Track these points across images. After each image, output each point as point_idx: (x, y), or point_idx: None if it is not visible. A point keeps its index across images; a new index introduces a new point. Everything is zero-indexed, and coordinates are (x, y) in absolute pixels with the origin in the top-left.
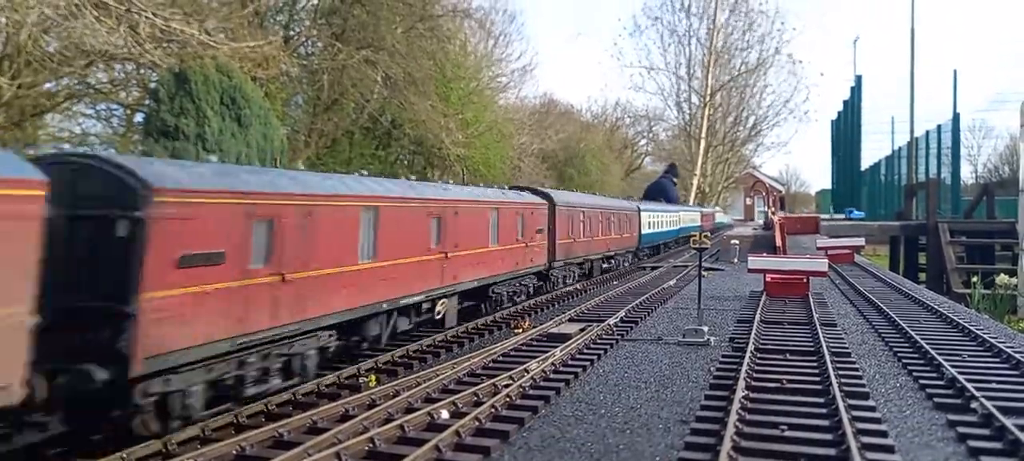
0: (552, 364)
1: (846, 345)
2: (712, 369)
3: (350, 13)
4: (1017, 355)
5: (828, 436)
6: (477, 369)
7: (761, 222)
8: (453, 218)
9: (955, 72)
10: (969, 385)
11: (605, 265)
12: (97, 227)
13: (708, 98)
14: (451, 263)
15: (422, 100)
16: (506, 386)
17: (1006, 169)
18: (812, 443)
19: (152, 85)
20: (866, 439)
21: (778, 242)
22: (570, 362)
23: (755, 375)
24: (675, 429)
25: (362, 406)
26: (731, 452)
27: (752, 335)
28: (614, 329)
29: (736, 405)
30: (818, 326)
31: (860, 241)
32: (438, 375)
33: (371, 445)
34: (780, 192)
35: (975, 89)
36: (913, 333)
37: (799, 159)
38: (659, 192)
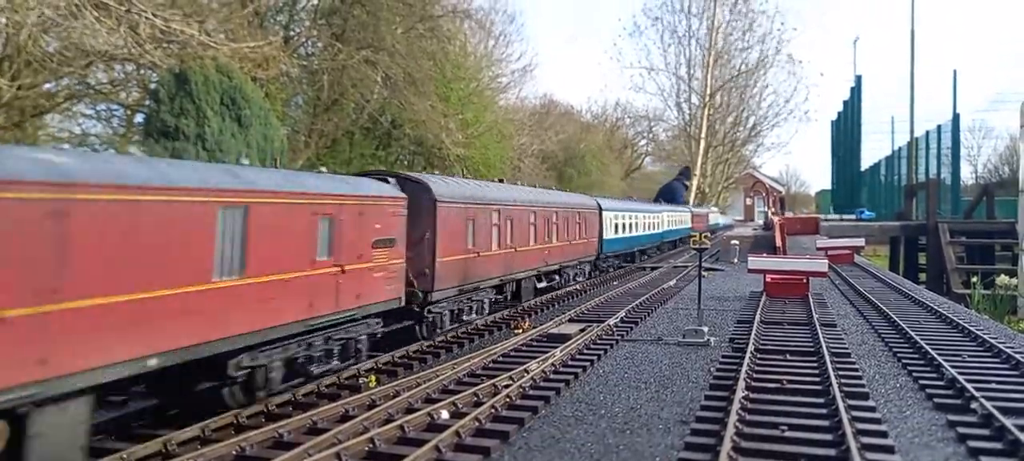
0: (552, 364)
1: (846, 345)
2: (712, 369)
3: (350, 13)
4: (1017, 355)
5: (828, 436)
6: (477, 369)
7: (761, 222)
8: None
9: (955, 72)
10: (969, 385)
11: (541, 284)
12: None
13: (708, 98)
14: None
15: (422, 100)
16: (506, 386)
17: (1006, 169)
18: (812, 443)
19: (152, 86)
20: (866, 439)
21: (778, 242)
22: (570, 362)
23: (755, 375)
24: (675, 429)
25: (362, 406)
26: (731, 452)
27: (752, 335)
28: (614, 329)
29: (736, 405)
30: (818, 326)
31: (860, 242)
32: (438, 375)
33: (371, 445)
34: (780, 193)
35: (975, 89)
36: (913, 333)
37: (799, 159)
38: (671, 194)
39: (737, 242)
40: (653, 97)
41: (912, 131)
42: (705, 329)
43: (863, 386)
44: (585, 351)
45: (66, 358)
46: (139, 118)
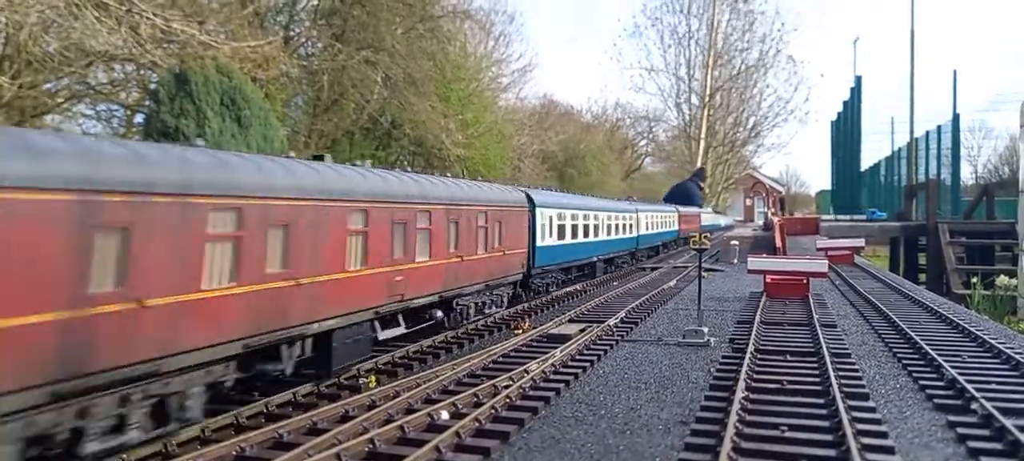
0: (552, 365)
1: (846, 346)
2: (712, 370)
3: (350, 14)
4: (1017, 356)
5: (828, 437)
6: (477, 370)
7: (761, 223)
8: None
9: (955, 73)
10: (969, 386)
11: (391, 332)
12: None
13: (708, 99)
14: None
15: (422, 101)
16: (506, 387)
17: (1006, 170)
18: (812, 444)
19: (152, 86)
20: (866, 440)
21: (778, 243)
22: (570, 363)
23: (755, 376)
24: (675, 430)
25: (362, 407)
26: (731, 453)
27: (752, 336)
28: (614, 330)
29: (736, 406)
30: (818, 327)
31: (860, 242)
32: (438, 376)
33: (371, 446)
34: (780, 193)
35: (975, 89)
36: (913, 334)
37: (799, 160)
38: (683, 195)
39: (737, 242)
40: (653, 97)
41: (912, 131)
42: (705, 330)
43: (863, 387)
44: (585, 352)
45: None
46: (139, 118)
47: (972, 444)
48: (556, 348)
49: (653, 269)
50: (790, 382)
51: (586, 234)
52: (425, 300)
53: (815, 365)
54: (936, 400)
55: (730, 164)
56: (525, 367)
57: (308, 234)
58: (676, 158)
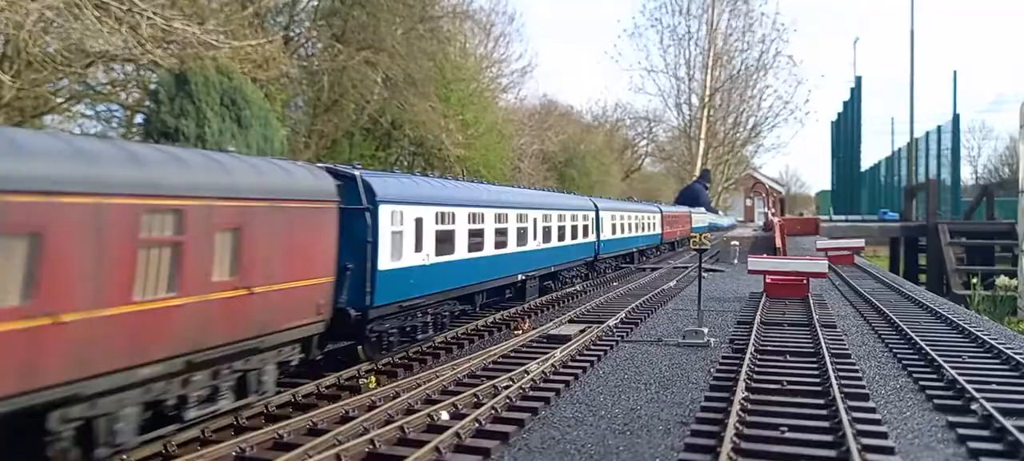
0: (552, 365)
1: (846, 346)
2: (712, 370)
3: (350, 14)
4: (1017, 357)
5: (828, 438)
6: (477, 370)
7: (761, 223)
8: None
9: (955, 73)
10: (969, 386)
11: None
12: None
13: (707, 100)
14: None
15: (422, 101)
16: (506, 387)
17: (1006, 170)
18: (812, 445)
19: (152, 86)
20: (866, 441)
21: (778, 243)
22: (570, 363)
23: (755, 376)
24: (675, 430)
25: (362, 407)
26: (731, 453)
27: (752, 336)
28: (614, 330)
29: (736, 407)
30: (818, 327)
31: (860, 242)
32: (438, 376)
33: (371, 447)
34: (780, 193)
35: (975, 90)
36: (913, 335)
37: (799, 160)
38: (692, 197)
39: (737, 243)
40: (653, 98)
41: (912, 132)
42: (705, 330)
43: (863, 387)
44: (585, 352)
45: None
46: (139, 118)
47: (972, 445)
48: (556, 349)
49: (653, 269)
50: (790, 382)
51: (497, 242)
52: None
53: (815, 365)
54: (936, 401)
55: (730, 165)
56: (525, 367)
57: None
58: (676, 159)
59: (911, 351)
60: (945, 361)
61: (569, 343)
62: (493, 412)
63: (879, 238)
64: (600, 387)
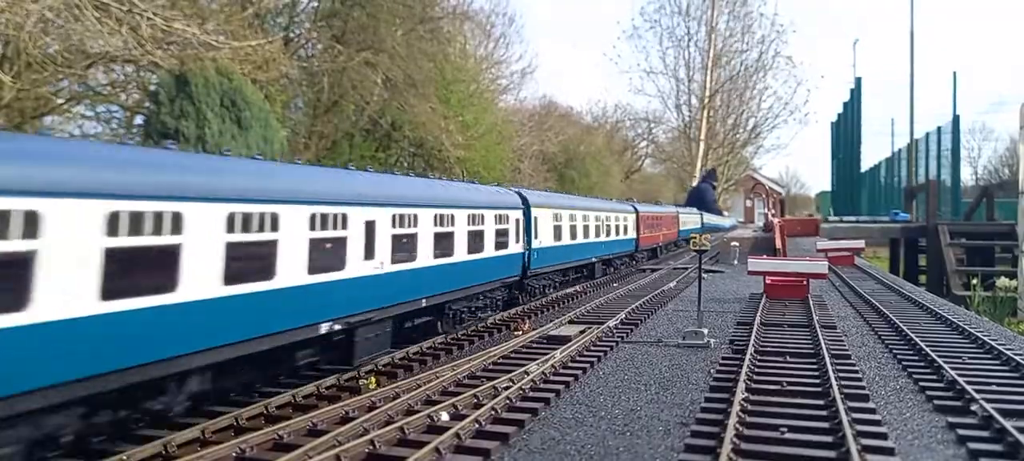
0: (552, 366)
1: (846, 347)
2: (712, 371)
3: (350, 15)
4: (1017, 358)
5: (828, 438)
6: (477, 371)
7: (761, 224)
8: None
9: (955, 74)
10: (969, 387)
11: None
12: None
13: (707, 101)
14: None
15: (422, 102)
16: (506, 388)
17: (1006, 171)
18: (812, 445)
19: (152, 87)
20: (866, 441)
21: (778, 244)
22: (570, 364)
23: (755, 377)
24: (675, 431)
25: (362, 408)
26: (731, 454)
27: (752, 337)
28: (614, 331)
29: (736, 407)
30: (818, 328)
31: (860, 244)
32: (438, 377)
33: (371, 447)
34: (780, 194)
35: (975, 91)
36: (913, 335)
37: (799, 161)
38: (698, 198)
39: (737, 244)
40: (653, 99)
41: (912, 133)
42: (705, 331)
43: (863, 388)
44: (585, 353)
45: None
46: (139, 119)
47: (972, 446)
48: (556, 349)
49: (653, 270)
50: (790, 383)
51: (368, 254)
52: None
53: (815, 366)
54: (936, 402)
55: (730, 165)
56: (525, 368)
57: None
58: (676, 159)
59: (911, 352)
60: (945, 362)
61: (569, 344)
62: (493, 413)
63: (879, 239)
64: (600, 388)
